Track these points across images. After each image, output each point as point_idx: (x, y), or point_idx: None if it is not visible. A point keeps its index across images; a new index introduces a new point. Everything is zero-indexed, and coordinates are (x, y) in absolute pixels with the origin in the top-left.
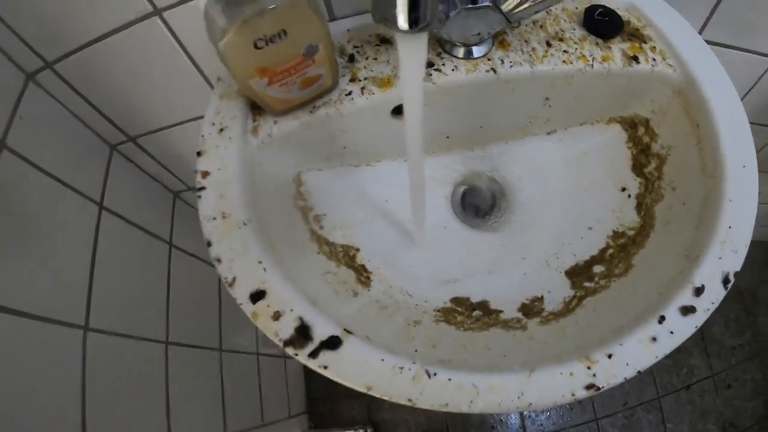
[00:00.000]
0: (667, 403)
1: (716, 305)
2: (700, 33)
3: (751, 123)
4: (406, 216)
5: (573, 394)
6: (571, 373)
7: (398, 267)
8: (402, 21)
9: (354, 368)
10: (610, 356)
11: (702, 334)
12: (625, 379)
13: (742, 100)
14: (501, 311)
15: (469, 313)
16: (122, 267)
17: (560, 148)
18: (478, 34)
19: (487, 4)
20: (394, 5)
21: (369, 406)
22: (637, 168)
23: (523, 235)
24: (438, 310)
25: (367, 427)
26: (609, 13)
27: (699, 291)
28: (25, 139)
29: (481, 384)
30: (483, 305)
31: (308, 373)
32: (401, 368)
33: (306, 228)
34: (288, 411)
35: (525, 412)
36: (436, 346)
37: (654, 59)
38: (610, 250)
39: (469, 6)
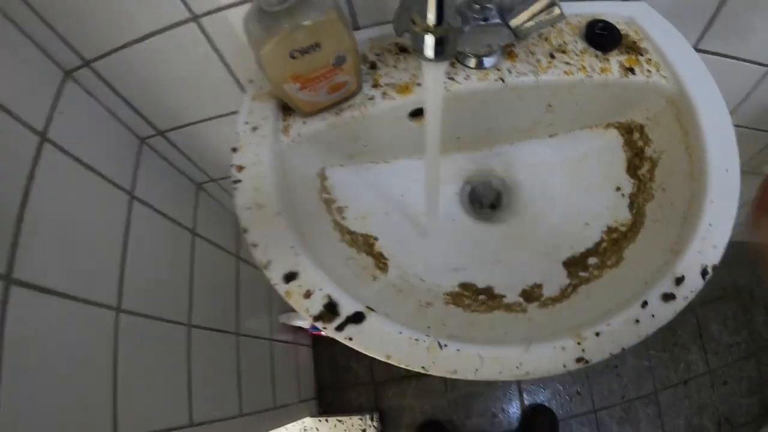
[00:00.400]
0: (664, 397)
1: (695, 294)
2: (697, 43)
3: (747, 128)
4: (420, 209)
5: (564, 365)
6: (564, 348)
7: (412, 255)
8: (430, 53)
9: (375, 340)
10: (598, 334)
11: (700, 331)
12: (611, 354)
13: (738, 106)
14: (504, 296)
15: (475, 297)
16: (150, 253)
17: (561, 150)
18: (489, 46)
19: (497, 21)
20: (422, 40)
21: (376, 394)
22: (632, 170)
23: (525, 228)
24: (448, 294)
25: (373, 413)
26: (609, 28)
27: (679, 281)
28: (64, 133)
29: (485, 355)
30: (488, 290)
31: (317, 361)
32: (416, 340)
33: (330, 218)
34: (298, 396)
35: (525, 402)
36: (446, 324)
37: (649, 71)
38: (604, 244)
39: (481, 22)
